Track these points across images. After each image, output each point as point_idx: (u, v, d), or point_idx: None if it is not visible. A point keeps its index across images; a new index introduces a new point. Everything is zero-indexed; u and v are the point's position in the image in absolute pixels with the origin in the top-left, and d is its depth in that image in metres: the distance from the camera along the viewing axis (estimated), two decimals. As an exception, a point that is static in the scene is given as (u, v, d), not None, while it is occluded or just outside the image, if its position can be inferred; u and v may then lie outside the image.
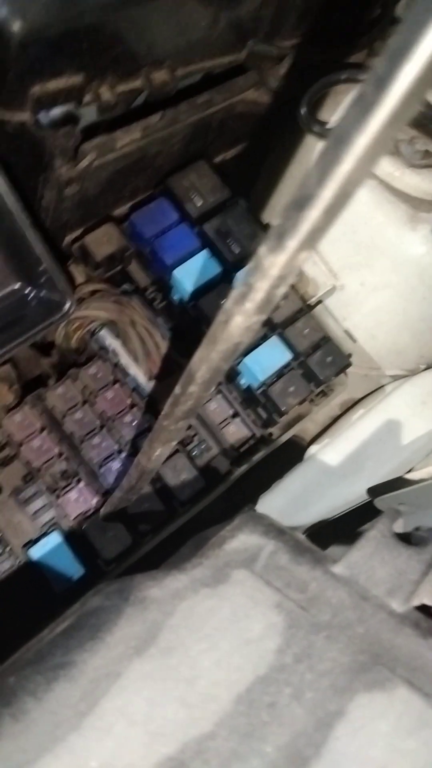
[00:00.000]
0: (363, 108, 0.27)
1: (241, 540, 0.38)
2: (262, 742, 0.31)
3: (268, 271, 0.34)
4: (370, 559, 0.37)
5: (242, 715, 0.32)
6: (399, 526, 0.40)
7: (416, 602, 0.37)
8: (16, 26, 0.63)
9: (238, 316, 0.37)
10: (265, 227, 0.88)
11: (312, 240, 0.33)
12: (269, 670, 0.33)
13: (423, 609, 0.37)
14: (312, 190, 0.30)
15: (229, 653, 0.34)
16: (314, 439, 0.96)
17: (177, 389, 0.48)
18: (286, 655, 0.34)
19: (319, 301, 0.92)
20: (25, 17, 0.63)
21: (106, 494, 0.79)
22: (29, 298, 0.74)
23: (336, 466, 0.91)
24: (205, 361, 0.42)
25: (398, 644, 0.34)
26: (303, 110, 0.81)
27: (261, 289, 0.35)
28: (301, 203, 0.31)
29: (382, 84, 0.27)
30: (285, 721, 0.32)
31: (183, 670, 0.33)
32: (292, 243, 0.32)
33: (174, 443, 0.56)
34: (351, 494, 0.88)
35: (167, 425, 0.52)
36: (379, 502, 0.82)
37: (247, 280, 0.35)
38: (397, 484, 0.83)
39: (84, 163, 0.76)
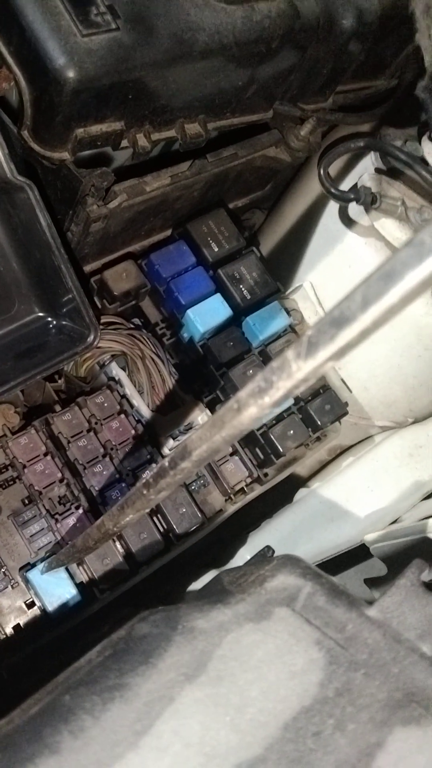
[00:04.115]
0: (419, 253, 0.30)
1: (280, 580, 0.41)
2: (309, 767, 0.34)
3: (294, 375, 0.36)
4: (400, 605, 0.40)
5: (290, 742, 0.34)
6: (426, 575, 0.43)
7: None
8: (71, 74, 0.67)
9: (253, 408, 0.38)
10: (275, 277, 0.92)
11: (343, 354, 0.35)
12: (313, 702, 0.36)
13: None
14: (354, 314, 0.33)
15: (276, 684, 0.36)
16: (303, 482, 1.00)
17: (166, 462, 0.47)
18: (328, 689, 0.36)
19: (320, 351, 0.96)
20: (81, 67, 0.67)
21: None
22: (51, 326, 0.77)
23: (324, 509, 0.94)
24: (207, 441, 0.42)
25: (430, 685, 0.37)
26: (321, 173, 0.86)
27: (282, 388, 0.37)
28: (339, 322, 0.33)
29: None
30: (330, 749, 0.34)
31: (232, 698, 0.36)
32: (324, 355, 0.34)
33: (146, 511, 0.53)
34: (338, 538, 0.91)
35: (147, 494, 0.50)
36: (376, 551, 0.85)
37: (269, 377, 0.37)
38: (392, 533, 0.86)
39: (114, 203, 0.80)
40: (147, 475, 0.50)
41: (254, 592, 0.41)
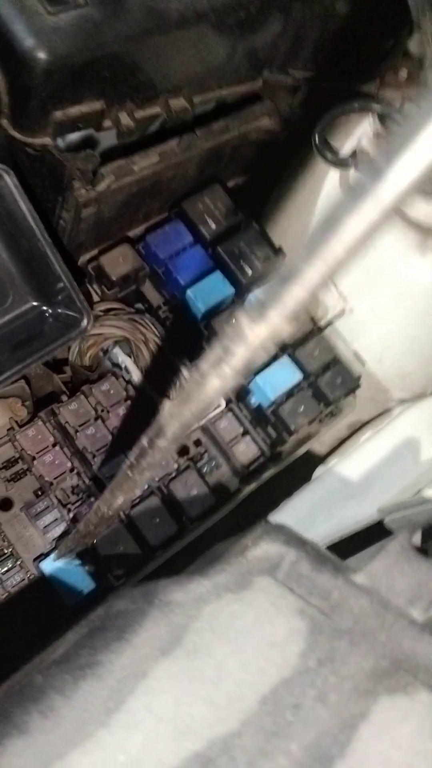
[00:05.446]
0: (358, 198, 0.28)
1: (263, 549, 0.39)
2: (287, 740, 0.32)
3: (249, 341, 0.34)
4: (390, 569, 0.38)
5: (268, 715, 0.33)
6: (418, 539, 0.41)
7: (436, 611, 0.38)
8: (41, 55, 0.65)
9: (215, 379, 0.37)
10: (277, 250, 0.90)
11: (295, 314, 0.33)
12: (293, 673, 0.34)
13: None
14: (299, 270, 0.30)
15: (254, 656, 0.34)
16: (322, 460, 0.97)
17: (144, 441, 0.47)
18: (309, 658, 0.34)
19: (330, 323, 0.93)
20: (50, 46, 0.65)
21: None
22: (47, 315, 0.76)
23: (344, 486, 0.92)
24: (177, 417, 0.42)
25: (419, 651, 0.35)
26: (316, 138, 0.83)
27: (240, 356, 0.35)
28: (287, 280, 0.31)
29: (379, 176, 0.27)
30: (310, 721, 0.32)
31: (208, 671, 0.34)
32: (276, 317, 0.33)
33: (138, 492, 0.54)
34: (359, 514, 0.88)
35: (132, 475, 0.50)
36: (390, 522, 0.83)
37: (226, 345, 0.35)
38: (407, 503, 0.84)
39: (102, 185, 0.78)
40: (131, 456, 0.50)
41: (235, 562, 0.39)
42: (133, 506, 0.79)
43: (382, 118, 0.89)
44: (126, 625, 0.36)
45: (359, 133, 0.92)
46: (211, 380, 0.37)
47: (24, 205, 0.66)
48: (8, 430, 0.82)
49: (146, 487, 0.80)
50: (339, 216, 0.28)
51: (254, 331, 0.33)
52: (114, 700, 0.33)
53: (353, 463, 0.93)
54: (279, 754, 0.31)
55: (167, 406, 0.42)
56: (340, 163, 0.85)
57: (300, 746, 0.32)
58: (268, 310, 0.32)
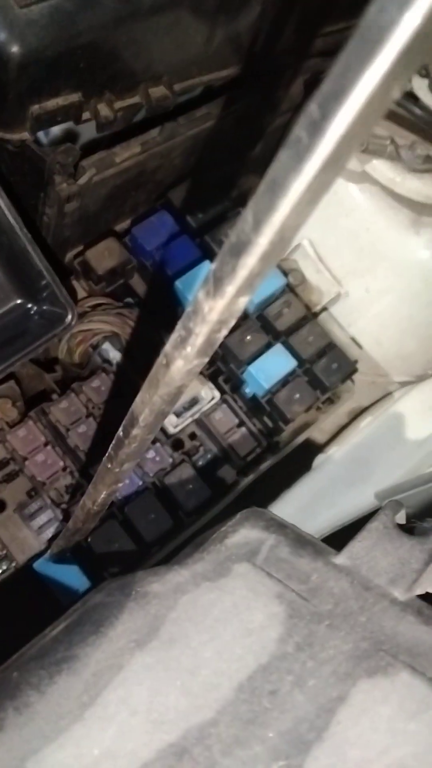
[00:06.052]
0: (297, 153, 0.26)
1: (242, 534, 0.38)
2: (264, 728, 0.31)
3: (208, 316, 0.33)
4: (372, 549, 0.37)
5: (244, 703, 0.32)
6: (401, 518, 0.40)
7: (419, 591, 0.36)
8: (15, 48, 0.64)
9: (179, 360, 0.37)
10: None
11: (250, 285, 0.31)
12: (271, 659, 0.33)
13: (425, 597, 0.37)
14: (248, 237, 0.29)
15: (231, 643, 0.33)
16: (323, 448, 0.96)
17: (120, 432, 0.46)
18: (287, 644, 0.33)
19: (324, 309, 0.92)
20: (23, 40, 0.64)
21: (111, 506, 0.79)
22: (31, 312, 0.75)
23: (345, 473, 0.90)
24: (148, 404, 0.41)
25: (400, 631, 0.34)
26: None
27: (201, 333, 0.34)
28: (237, 249, 0.30)
29: (316, 129, 0.25)
30: (287, 707, 0.31)
31: (184, 660, 0.33)
32: (230, 289, 0.31)
33: (120, 485, 0.54)
34: (361, 502, 0.87)
35: (112, 468, 0.50)
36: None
37: (187, 324, 0.35)
38: (402, 486, 0.82)
39: (84, 179, 0.77)
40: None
41: (213, 550, 0.38)
42: (127, 502, 0.79)
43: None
44: (103, 618, 0.35)
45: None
46: (176, 362, 0.36)
47: (2, 202, 0.66)
48: (-1, 431, 0.81)
49: (140, 483, 0.80)
50: (282, 178, 0.27)
51: (212, 306, 0.32)
52: (89, 694, 0.33)
53: (354, 450, 0.91)
54: (255, 741, 0.30)
55: (138, 395, 0.41)
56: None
57: (276, 733, 0.31)
58: (223, 284, 0.31)
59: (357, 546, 0.38)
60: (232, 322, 0.34)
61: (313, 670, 0.33)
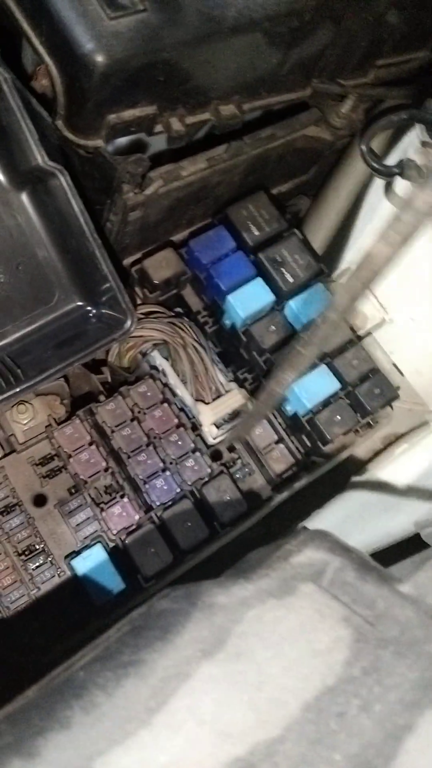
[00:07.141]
0: None
1: (307, 555, 0.39)
2: (331, 749, 0.31)
3: (417, 206, 0.38)
4: (436, 580, 0.38)
5: (311, 723, 0.32)
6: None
7: None
8: (100, 59, 0.66)
9: (383, 246, 0.42)
10: (319, 258, 0.89)
11: None
12: (337, 681, 0.34)
13: None
14: None
15: (297, 662, 0.34)
16: (356, 472, 0.96)
17: (317, 318, 0.54)
18: (354, 667, 0.34)
19: (369, 333, 0.93)
20: (109, 50, 0.66)
21: (149, 510, 0.80)
22: (90, 315, 0.77)
23: (377, 499, 0.91)
24: (348, 289, 0.48)
25: (465, 664, 0.35)
26: (363, 147, 0.83)
27: (407, 222, 0.39)
28: None
29: None
30: (354, 731, 0.32)
31: (251, 675, 0.34)
32: None
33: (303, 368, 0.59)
34: (393, 528, 0.87)
35: (303, 351, 0.57)
36: (428, 535, 0.82)
37: (397, 215, 0.40)
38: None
39: (150, 189, 0.79)
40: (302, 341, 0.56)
41: (279, 567, 0.39)
42: (165, 509, 0.80)
43: (430, 128, 0.89)
44: (169, 625, 0.36)
45: (406, 142, 0.91)
46: (379, 247, 0.40)
47: (76, 205, 0.67)
48: (46, 427, 0.82)
49: (178, 490, 0.81)
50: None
51: (421, 198, 0.35)
52: (156, 700, 0.33)
53: (388, 476, 0.92)
54: (322, 762, 0.31)
55: (341, 284, 0.49)
56: (387, 173, 0.84)
57: (344, 756, 0.31)
58: None
59: (422, 576, 0.38)
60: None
61: (379, 695, 0.33)
